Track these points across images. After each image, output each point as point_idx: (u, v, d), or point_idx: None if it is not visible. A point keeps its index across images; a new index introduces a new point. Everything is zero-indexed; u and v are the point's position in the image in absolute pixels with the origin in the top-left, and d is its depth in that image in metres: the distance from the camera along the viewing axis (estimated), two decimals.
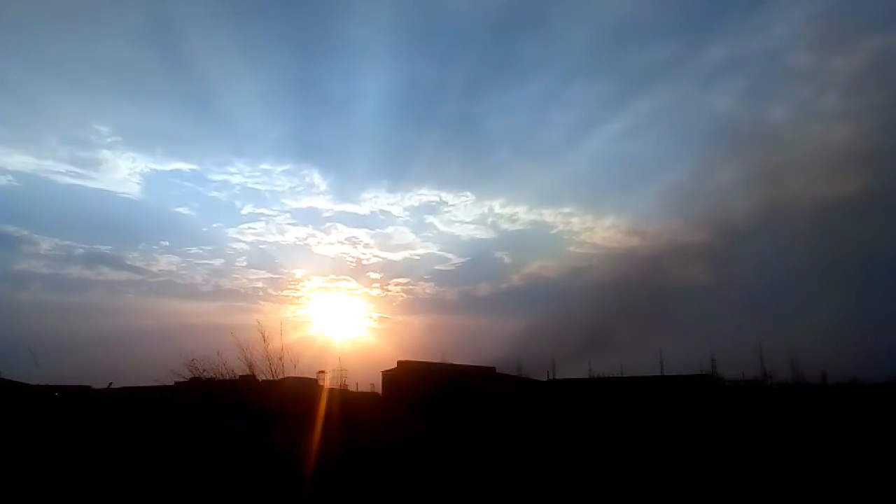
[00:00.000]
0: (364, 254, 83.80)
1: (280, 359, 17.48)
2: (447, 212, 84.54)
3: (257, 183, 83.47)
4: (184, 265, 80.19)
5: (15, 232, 71.48)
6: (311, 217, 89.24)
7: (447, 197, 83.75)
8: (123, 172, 76.01)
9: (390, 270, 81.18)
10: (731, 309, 61.30)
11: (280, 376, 17.78)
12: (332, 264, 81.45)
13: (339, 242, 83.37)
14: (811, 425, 21.14)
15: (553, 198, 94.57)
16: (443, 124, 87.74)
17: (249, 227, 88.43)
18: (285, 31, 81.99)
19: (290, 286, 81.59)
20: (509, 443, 17.19)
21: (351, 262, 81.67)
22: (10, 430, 16.93)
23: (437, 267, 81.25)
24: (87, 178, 76.28)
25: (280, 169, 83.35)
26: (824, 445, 15.64)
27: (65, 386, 31.73)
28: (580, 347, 52.82)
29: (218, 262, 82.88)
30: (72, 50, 74.98)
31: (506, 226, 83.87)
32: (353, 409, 21.64)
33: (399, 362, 42.77)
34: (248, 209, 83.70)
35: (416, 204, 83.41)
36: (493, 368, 44.07)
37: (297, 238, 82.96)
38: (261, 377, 18.00)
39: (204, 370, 17.77)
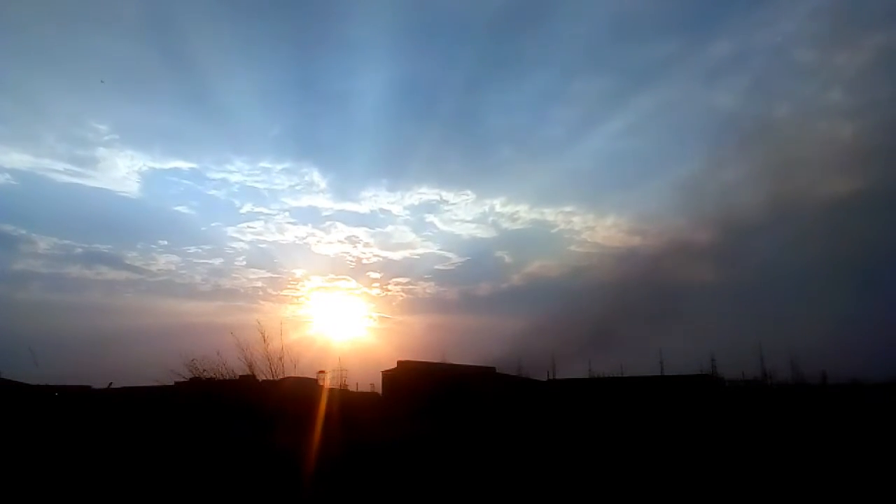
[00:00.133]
0: (364, 253, 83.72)
1: (280, 359, 17.51)
2: (447, 210, 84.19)
3: (256, 181, 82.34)
4: (183, 264, 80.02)
5: (13, 231, 71.12)
6: (310, 216, 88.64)
7: (447, 195, 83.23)
8: (122, 171, 75.57)
9: (390, 270, 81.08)
10: (732, 308, 61.33)
11: (280, 376, 17.80)
12: (332, 264, 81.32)
13: (338, 241, 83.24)
14: (811, 425, 21.14)
15: (554, 196, 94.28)
16: (443, 122, 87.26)
17: (249, 226, 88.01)
18: (284, 29, 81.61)
19: (289, 286, 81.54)
20: (509, 443, 17.18)
21: (351, 261, 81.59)
22: (10, 430, 16.92)
23: (437, 266, 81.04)
24: (86, 176, 75.27)
25: (279, 167, 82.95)
26: (824, 446, 15.64)
27: (65, 386, 31.73)
28: (581, 347, 52.77)
29: (217, 261, 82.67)
30: (69, 47, 74.43)
31: (506, 225, 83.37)
32: (353, 409, 21.63)
33: (399, 362, 42.77)
34: (247, 208, 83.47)
35: (417, 203, 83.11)
36: (493, 368, 44.07)
37: (296, 237, 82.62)
38: (261, 377, 18.02)
39: (204, 370, 17.79)
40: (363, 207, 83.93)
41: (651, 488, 10.29)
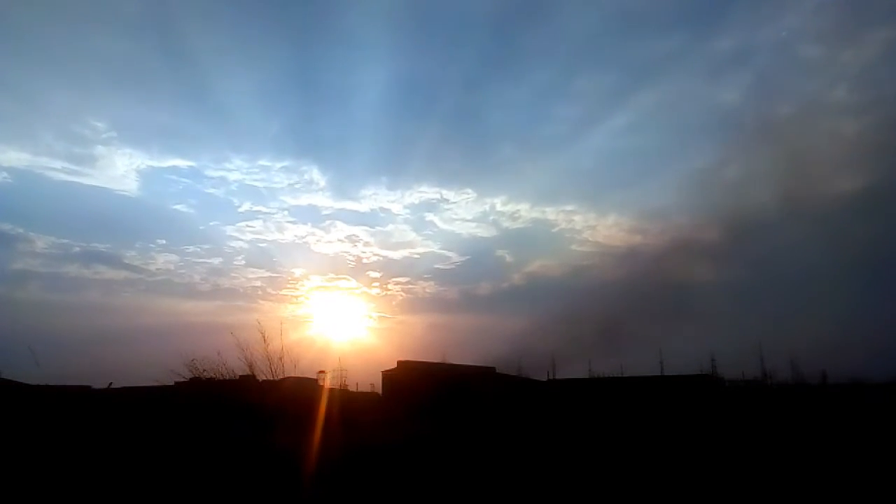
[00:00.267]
0: (364, 252, 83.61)
1: (280, 359, 17.50)
2: (448, 209, 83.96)
3: (255, 180, 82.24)
4: (182, 264, 79.84)
5: (11, 230, 70.87)
6: (310, 215, 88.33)
7: (448, 194, 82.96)
8: (120, 169, 75.35)
9: (390, 269, 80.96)
10: (732, 308, 61.29)
11: (280, 376, 17.79)
12: (332, 263, 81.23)
13: (338, 241, 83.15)
14: (811, 425, 21.14)
15: (555, 195, 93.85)
16: (443, 119, 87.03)
17: (248, 225, 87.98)
18: (283, 25, 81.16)
19: (288, 285, 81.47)
20: (509, 443, 17.18)
21: (350, 260, 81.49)
22: (10, 430, 16.92)
23: (437, 266, 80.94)
24: (83, 174, 75.05)
25: (279, 165, 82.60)
26: (824, 446, 15.64)
27: (65, 386, 31.70)
28: (582, 347, 52.86)
29: (216, 260, 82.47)
30: (66, 44, 74.11)
31: (507, 224, 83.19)
32: (353, 409, 21.62)
33: (399, 362, 42.78)
34: (246, 206, 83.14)
35: (417, 201, 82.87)
36: (493, 368, 44.08)
37: (296, 236, 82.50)
38: (261, 377, 18.01)
39: (204, 370, 17.80)
40: (363, 206, 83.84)
41: (651, 488, 10.29)
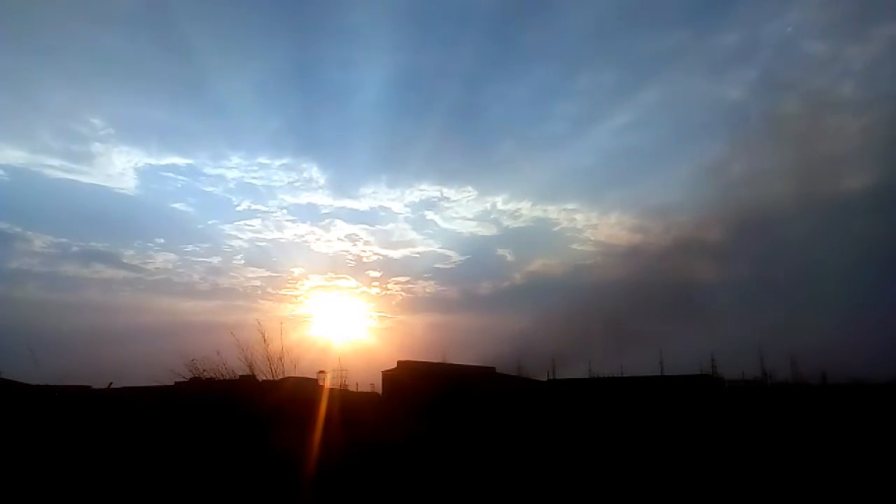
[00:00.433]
0: (364, 251, 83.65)
1: (280, 359, 17.46)
2: (448, 208, 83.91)
3: (254, 178, 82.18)
4: (180, 263, 79.94)
5: (8, 229, 70.97)
6: (309, 213, 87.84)
7: (449, 192, 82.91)
8: (118, 167, 75.46)
9: (390, 268, 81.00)
10: (733, 307, 61.17)
11: (280, 376, 17.76)
12: (332, 262, 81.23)
13: (338, 239, 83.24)
14: (811, 425, 21.13)
15: (557, 193, 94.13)
16: (444, 117, 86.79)
17: (247, 224, 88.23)
18: (282, 20, 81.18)
19: (288, 285, 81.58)
20: (509, 443, 17.18)
21: (350, 260, 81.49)
22: (10, 430, 16.91)
23: (437, 265, 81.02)
24: (81, 172, 75.25)
25: (278, 163, 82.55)
26: (824, 446, 15.64)
27: (65, 386, 31.70)
28: (583, 347, 52.84)
29: (215, 259, 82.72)
30: (63, 40, 74.01)
31: (508, 222, 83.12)
32: (353, 409, 21.61)
33: (399, 362, 42.78)
34: (244, 205, 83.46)
35: (417, 200, 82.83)
36: (494, 368, 44.10)
37: (295, 235, 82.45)
38: (261, 377, 17.99)
39: (204, 370, 17.76)
40: (363, 205, 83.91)
41: (651, 488, 10.29)
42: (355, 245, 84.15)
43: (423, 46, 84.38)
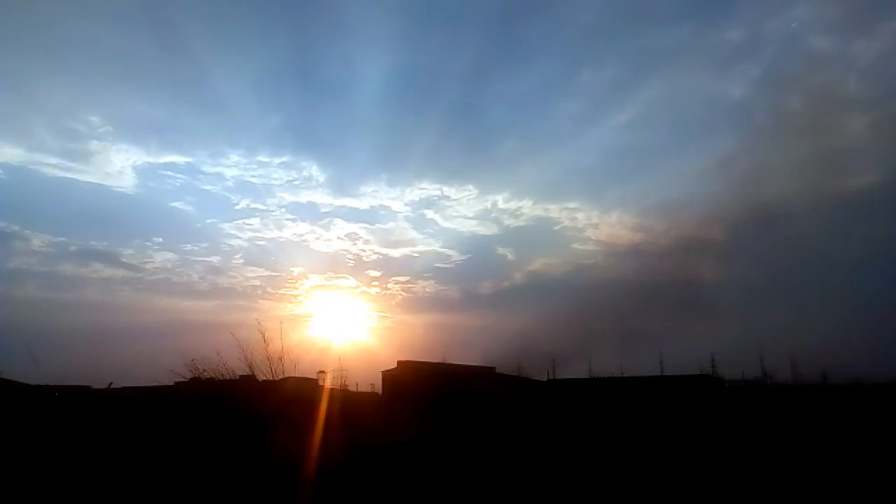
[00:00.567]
0: (364, 250, 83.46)
1: (280, 359, 17.45)
2: (449, 206, 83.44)
3: (253, 176, 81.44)
4: (179, 262, 79.64)
5: (6, 228, 70.47)
6: (309, 212, 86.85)
7: (449, 191, 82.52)
8: (116, 165, 74.74)
9: (390, 268, 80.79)
10: (734, 307, 61.07)
11: (280, 376, 17.76)
12: (331, 261, 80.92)
13: (338, 238, 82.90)
14: (811, 426, 21.14)
15: (558, 192, 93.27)
16: (444, 114, 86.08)
17: (246, 223, 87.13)
18: (281, 16, 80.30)
19: (288, 284, 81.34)
20: (510, 443, 17.18)
21: (350, 259, 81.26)
22: (10, 430, 16.91)
23: (437, 264, 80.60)
24: (79, 171, 74.84)
25: (277, 161, 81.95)
26: (824, 446, 15.64)
27: (65, 386, 31.69)
28: (584, 346, 52.78)
29: (214, 259, 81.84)
30: (60, 37, 72.81)
31: (509, 221, 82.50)
32: (353, 409, 21.61)
33: (399, 362, 42.78)
34: (243, 204, 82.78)
35: (417, 198, 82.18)
36: (493, 368, 44.08)
37: (294, 234, 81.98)
38: (261, 377, 17.98)
39: (204, 370, 17.75)
40: (363, 203, 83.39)
41: (651, 489, 10.29)
42: (355, 244, 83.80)
43: (423, 43, 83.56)
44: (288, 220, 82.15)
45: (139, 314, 73.05)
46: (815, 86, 71.98)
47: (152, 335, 57.71)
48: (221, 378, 17.66)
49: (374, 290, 78.65)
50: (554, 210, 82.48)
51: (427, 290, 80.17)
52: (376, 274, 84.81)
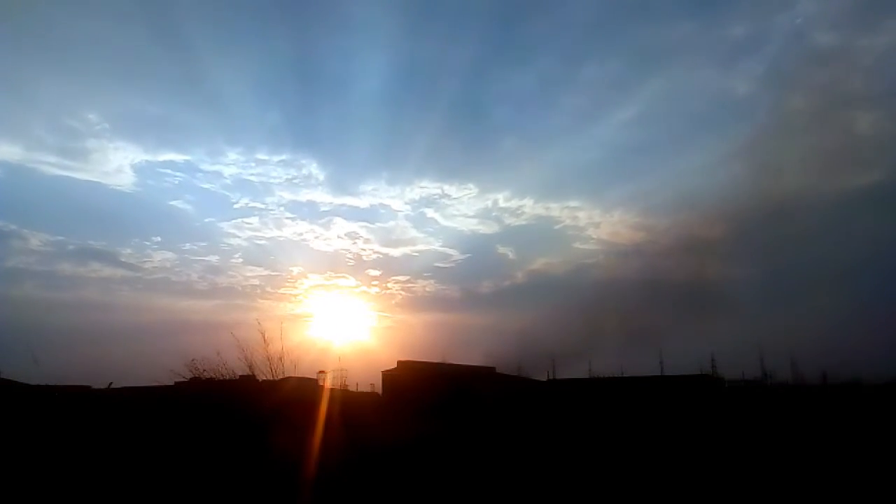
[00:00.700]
0: (364, 249, 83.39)
1: (280, 359, 17.45)
2: (449, 205, 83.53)
3: (252, 174, 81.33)
4: (178, 262, 79.69)
5: (4, 227, 70.38)
6: (308, 211, 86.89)
7: (449, 189, 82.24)
8: (114, 163, 74.69)
9: (390, 267, 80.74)
10: (734, 307, 60.97)
11: (280, 376, 17.76)
12: (331, 261, 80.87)
13: (337, 237, 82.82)
14: (811, 426, 21.14)
15: (559, 190, 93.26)
16: (445, 112, 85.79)
17: (245, 222, 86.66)
18: (279, 12, 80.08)
19: (287, 284, 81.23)
20: (510, 443, 17.19)
21: (350, 258, 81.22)
22: (10, 430, 16.91)
23: (437, 264, 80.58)
24: (77, 169, 75.13)
25: (276, 159, 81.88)
26: (824, 446, 15.64)
27: (65, 386, 31.69)
28: (585, 346, 52.76)
29: (213, 258, 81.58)
30: (57, 33, 72.55)
31: (509, 220, 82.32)
32: (353, 409, 21.62)
33: (399, 362, 42.81)
34: (242, 202, 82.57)
35: (417, 197, 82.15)
36: (494, 368, 44.11)
37: (294, 233, 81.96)
38: (261, 377, 17.99)
39: (204, 370, 17.76)
40: (363, 202, 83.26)
41: (651, 489, 10.29)
42: (355, 243, 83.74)
43: (423, 40, 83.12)
44: (287, 218, 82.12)
45: (138, 314, 73.11)
46: (820, 82, 71.41)
47: (152, 335, 57.75)
48: (221, 378, 17.66)
49: (373, 290, 78.75)
50: (555, 209, 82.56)
51: (427, 289, 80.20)
52: (376, 273, 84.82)
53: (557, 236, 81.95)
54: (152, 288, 77.35)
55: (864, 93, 68.44)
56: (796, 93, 73.87)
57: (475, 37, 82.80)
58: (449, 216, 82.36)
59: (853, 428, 19.29)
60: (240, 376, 18.38)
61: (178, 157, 79.83)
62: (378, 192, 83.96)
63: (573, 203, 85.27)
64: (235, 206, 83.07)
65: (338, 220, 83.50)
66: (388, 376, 42.43)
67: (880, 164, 66.54)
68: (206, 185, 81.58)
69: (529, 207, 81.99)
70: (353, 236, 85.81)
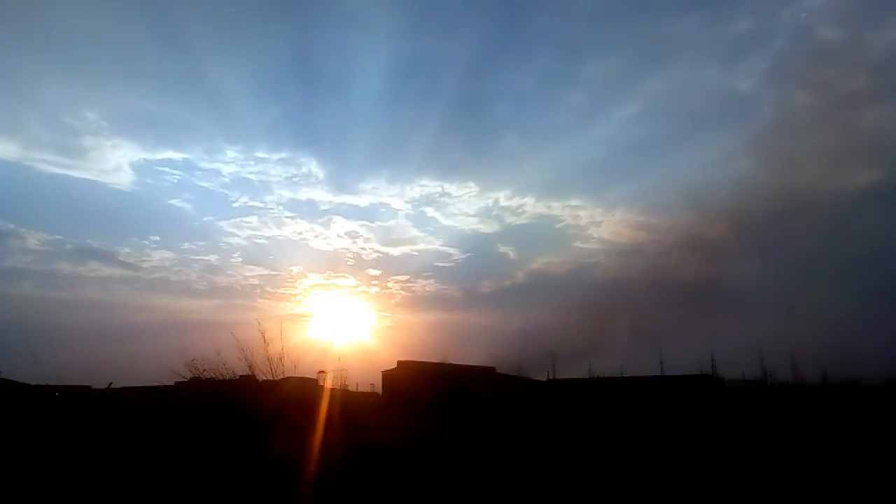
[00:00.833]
0: (363, 248, 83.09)
1: (280, 359, 17.44)
2: (449, 204, 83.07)
3: (251, 172, 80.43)
4: (177, 261, 79.15)
5: (1, 226, 69.86)
6: (308, 210, 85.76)
7: (450, 188, 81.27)
8: (112, 161, 74.29)
9: (390, 266, 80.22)
10: (735, 306, 60.82)
11: (280, 376, 17.75)
12: (331, 260, 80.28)
13: (337, 237, 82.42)
14: (811, 425, 21.14)
15: (561, 189, 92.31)
16: (445, 110, 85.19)
17: (244, 221, 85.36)
18: (279, 10, 79.37)
19: (287, 283, 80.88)
20: (510, 443, 17.18)
21: (350, 258, 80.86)
22: (10, 430, 16.92)
23: (437, 263, 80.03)
24: (75, 167, 74.31)
25: (276, 157, 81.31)
26: (824, 446, 15.64)
27: (65, 386, 31.71)
28: (585, 346, 52.71)
29: (212, 257, 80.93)
30: (55, 30, 72.03)
31: (510, 219, 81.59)
32: (353, 409, 21.61)
33: (399, 362, 42.78)
34: (241, 201, 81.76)
35: (417, 196, 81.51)
36: (494, 368, 44.07)
37: (294, 232, 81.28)
38: (261, 377, 17.98)
39: (204, 370, 17.75)
40: (363, 201, 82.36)
41: (651, 489, 10.29)
42: (355, 242, 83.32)
43: (423, 37, 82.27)
44: (287, 217, 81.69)
45: (138, 313, 72.75)
46: (825, 78, 70.83)
47: (151, 335, 57.60)
48: (221, 378, 17.65)
49: (373, 290, 78.43)
50: (556, 207, 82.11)
51: (427, 288, 79.92)
52: (376, 273, 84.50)
53: (558, 235, 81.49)
54: (151, 287, 76.91)
55: (870, 89, 67.76)
56: (800, 89, 73.24)
57: (475, 34, 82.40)
58: (449, 215, 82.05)
59: (853, 428, 19.30)
60: (240, 376, 18.37)
61: (176, 156, 79.48)
62: (378, 191, 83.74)
63: (574, 202, 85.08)
64: (234, 204, 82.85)
65: (337, 218, 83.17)
66: (388, 376, 42.41)
67: (884, 161, 66.03)
68: (204, 184, 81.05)
69: (530, 206, 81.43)
70: (352, 235, 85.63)
